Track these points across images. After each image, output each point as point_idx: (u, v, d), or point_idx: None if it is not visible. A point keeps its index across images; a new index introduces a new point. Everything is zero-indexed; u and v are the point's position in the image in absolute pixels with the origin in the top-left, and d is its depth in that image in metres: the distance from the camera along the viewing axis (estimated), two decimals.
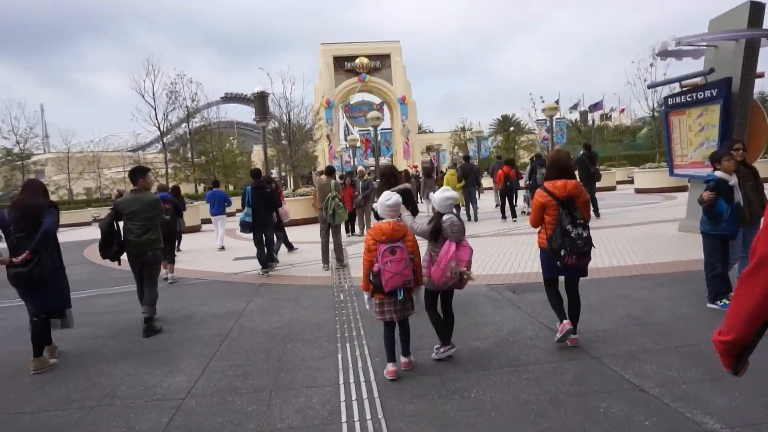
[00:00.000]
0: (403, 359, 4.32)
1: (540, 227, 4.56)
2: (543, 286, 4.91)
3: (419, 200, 17.41)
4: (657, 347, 4.31)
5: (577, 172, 13.64)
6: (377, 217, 6.00)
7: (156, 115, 21.54)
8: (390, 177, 6.58)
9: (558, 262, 4.31)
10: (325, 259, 9.27)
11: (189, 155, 24.55)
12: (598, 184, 13.19)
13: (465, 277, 4.23)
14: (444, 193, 4.42)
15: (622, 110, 48.52)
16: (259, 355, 4.87)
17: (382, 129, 22.46)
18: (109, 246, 5.96)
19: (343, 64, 54.47)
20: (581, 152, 13.90)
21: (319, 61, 55.07)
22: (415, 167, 43.62)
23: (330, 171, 9.92)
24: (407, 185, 7.17)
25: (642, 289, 6.11)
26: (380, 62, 54.92)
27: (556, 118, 24.62)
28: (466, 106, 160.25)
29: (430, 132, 65.99)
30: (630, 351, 4.27)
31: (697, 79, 9.75)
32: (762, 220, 1.65)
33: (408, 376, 4.16)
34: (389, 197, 4.32)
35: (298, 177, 25.70)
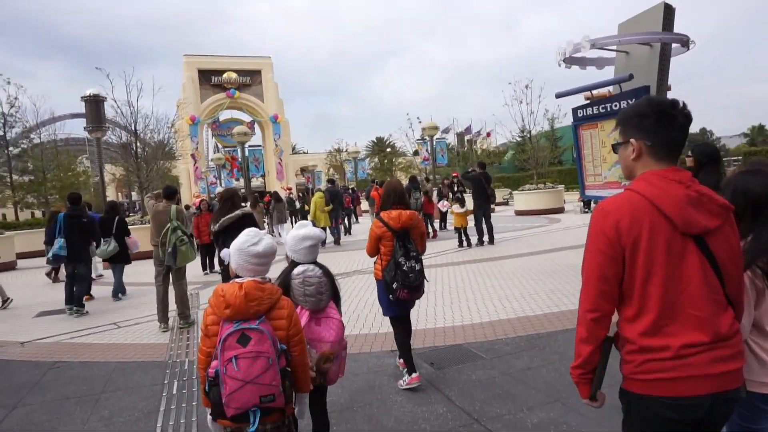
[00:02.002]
0: None
1: (377, 258, 4.23)
2: (469, 354, 4.74)
3: (270, 231, 16.82)
4: None
5: (471, 191, 12.52)
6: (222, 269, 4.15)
7: None
8: (227, 200, 5.89)
9: (390, 296, 4.02)
10: (163, 316, 6.60)
11: (6, 174, 19.60)
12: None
13: (325, 367, 2.59)
14: (300, 231, 2.85)
15: (488, 134, 50.70)
16: None
17: (250, 146, 19.91)
18: None
19: (209, 79, 50.40)
20: (472, 170, 12.71)
21: (183, 75, 50.49)
22: (289, 189, 41.13)
23: (169, 194, 7.09)
24: (246, 209, 6.01)
25: None
26: (250, 78, 51.68)
27: (437, 138, 23.91)
28: (341, 128, 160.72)
29: (305, 153, 63.79)
30: None
31: (605, 90, 8.80)
32: None
33: None
34: (256, 239, 2.38)
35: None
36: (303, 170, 53.86)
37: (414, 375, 4.02)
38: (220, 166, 25.46)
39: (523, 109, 22.65)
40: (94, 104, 13.24)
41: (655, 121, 1.62)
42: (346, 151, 43.08)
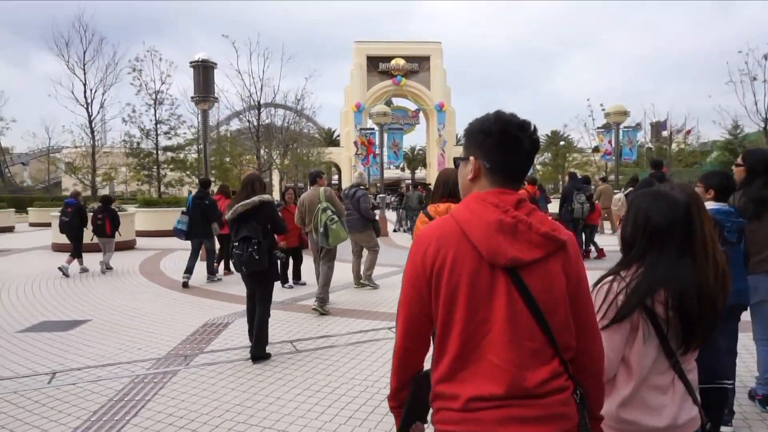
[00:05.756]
0: None
1: None
2: None
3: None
4: None
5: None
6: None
7: (85, 92, 16.89)
8: (246, 185, 5.21)
9: None
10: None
11: (155, 152, 19.58)
12: None
13: None
14: None
15: (689, 131, 42.33)
16: None
17: (390, 128, 17.17)
18: None
19: (377, 65, 49.49)
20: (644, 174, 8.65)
21: (352, 62, 50.39)
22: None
23: (314, 177, 7.69)
24: (265, 196, 5.14)
25: None
26: (418, 65, 49.63)
27: (624, 127, 18.67)
28: None
29: None
30: None
31: None
32: None
33: None
34: None
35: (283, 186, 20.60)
36: None
37: None
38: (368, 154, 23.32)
39: (757, 89, 16.58)
40: (203, 70, 11.53)
41: (497, 142, 1.44)
42: None
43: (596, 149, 30.41)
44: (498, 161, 1.44)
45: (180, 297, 8.06)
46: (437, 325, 1.40)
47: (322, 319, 6.46)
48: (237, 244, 4.94)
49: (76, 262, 10.34)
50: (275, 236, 5.39)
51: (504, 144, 1.43)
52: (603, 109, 23.33)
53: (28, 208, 26.80)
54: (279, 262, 5.68)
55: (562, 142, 46.03)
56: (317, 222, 6.88)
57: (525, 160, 1.47)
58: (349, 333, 5.82)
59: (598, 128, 22.75)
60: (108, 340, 5.68)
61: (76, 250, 10.32)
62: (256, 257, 4.83)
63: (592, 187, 12.67)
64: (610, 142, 18.90)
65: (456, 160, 1.59)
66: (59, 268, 9.89)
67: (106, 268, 10.45)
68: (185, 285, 8.69)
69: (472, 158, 1.48)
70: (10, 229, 22.31)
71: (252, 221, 4.96)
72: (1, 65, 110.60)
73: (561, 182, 41.18)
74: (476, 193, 1.45)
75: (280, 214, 7.81)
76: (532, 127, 1.46)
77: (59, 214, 11.09)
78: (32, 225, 24.60)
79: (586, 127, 27.90)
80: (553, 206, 16.81)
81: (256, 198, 5.02)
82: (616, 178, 16.92)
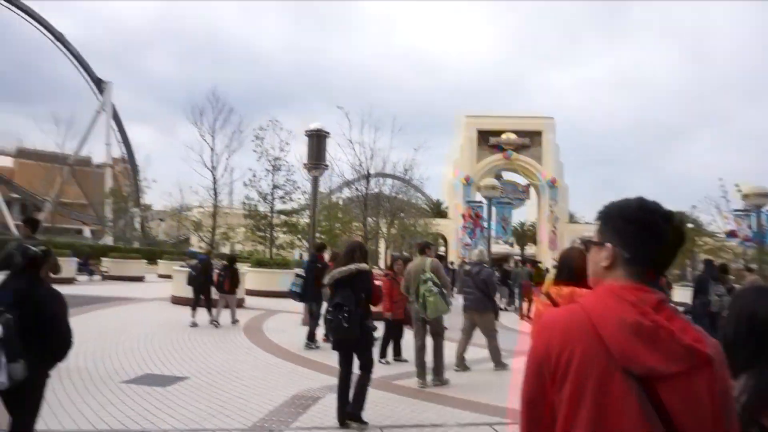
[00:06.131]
0: None
1: None
2: None
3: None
4: None
5: None
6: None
7: (212, 156, 18.33)
8: (347, 253, 5.35)
9: None
10: (421, 371, 6.93)
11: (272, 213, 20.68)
12: None
13: None
14: None
15: None
16: None
17: (499, 202, 16.68)
18: None
19: (487, 139, 49.69)
20: None
21: (461, 135, 51.02)
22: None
23: (422, 248, 7.61)
24: (362, 265, 5.18)
25: None
26: (529, 139, 49.07)
27: (767, 210, 16.59)
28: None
29: (585, 223, 57.22)
30: None
31: None
32: None
33: None
34: None
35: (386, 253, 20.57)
36: (582, 241, 47.69)
37: None
38: (475, 226, 22.90)
39: None
40: (316, 139, 12.10)
41: (638, 231, 1.34)
42: None
43: (732, 233, 27.36)
44: (639, 252, 1.33)
45: (276, 362, 8.00)
46: (558, 421, 1.28)
47: (415, 405, 5.97)
48: (330, 309, 5.08)
49: (204, 312, 11.20)
50: (370, 306, 5.36)
51: (646, 234, 1.33)
52: (739, 190, 21.08)
53: (158, 260, 29.34)
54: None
55: (690, 224, 42.20)
56: (418, 292, 7.00)
57: (668, 254, 1.36)
58: (444, 426, 5.28)
59: (735, 211, 20.45)
60: (199, 402, 5.64)
61: (206, 302, 11.34)
62: (345, 325, 4.88)
63: (731, 277, 11.10)
64: (749, 226, 16.83)
65: (588, 243, 1.47)
66: (212, 323, 11.19)
67: (232, 321, 11.50)
68: (308, 347, 9.10)
69: (609, 245, 1.36)
70: (140, 279, 24.40)
71: (347, 288, 5.06)
72: (151, 132, 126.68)
73: (689, 268, 37.36)
74: (611, 286, 1.32)
75: (379, 283, 7.67)
76: (678, 219, 1.38)
77: (188, 268, 12.45)
78: (160, 276, 26.78)
79: (718, 209, 25.29)
80: (678, 294, 15.06)
81: (352, 266, 5.13)
82: (759, 267, 14.88)
